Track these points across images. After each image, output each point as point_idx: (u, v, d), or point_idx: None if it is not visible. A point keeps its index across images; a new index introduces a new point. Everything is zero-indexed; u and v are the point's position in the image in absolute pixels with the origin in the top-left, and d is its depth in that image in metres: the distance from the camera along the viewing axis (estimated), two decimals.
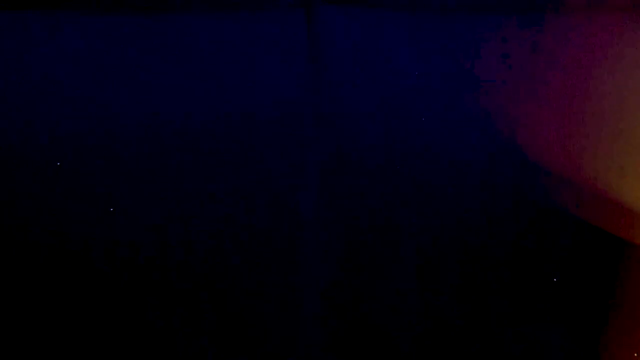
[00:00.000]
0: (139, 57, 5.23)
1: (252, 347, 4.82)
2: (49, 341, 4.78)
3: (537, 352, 4.80)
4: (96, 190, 5.22)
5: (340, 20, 5.17)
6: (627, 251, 4.68)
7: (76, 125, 5.20)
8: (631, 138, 4.68)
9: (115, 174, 5.23)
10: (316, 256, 4.97)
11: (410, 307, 4.89)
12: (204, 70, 5.22)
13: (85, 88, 5.24)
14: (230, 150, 5.23)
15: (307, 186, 5.13)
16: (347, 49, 5.15)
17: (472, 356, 4.81)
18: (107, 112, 5.23)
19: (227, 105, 5.23)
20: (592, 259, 4.78)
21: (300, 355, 4.78)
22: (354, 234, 5.06)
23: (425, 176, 5.04)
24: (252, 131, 4.99)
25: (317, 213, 5.08)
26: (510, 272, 4.86)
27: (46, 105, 5.19)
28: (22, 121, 5.17)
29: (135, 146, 5.26)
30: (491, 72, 4.89)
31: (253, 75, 5.17)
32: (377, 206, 5.08)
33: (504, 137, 4.88)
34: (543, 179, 4.83)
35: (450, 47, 4.96)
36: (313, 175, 5.15)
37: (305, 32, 5.18)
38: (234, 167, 5.22)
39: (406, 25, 5.06)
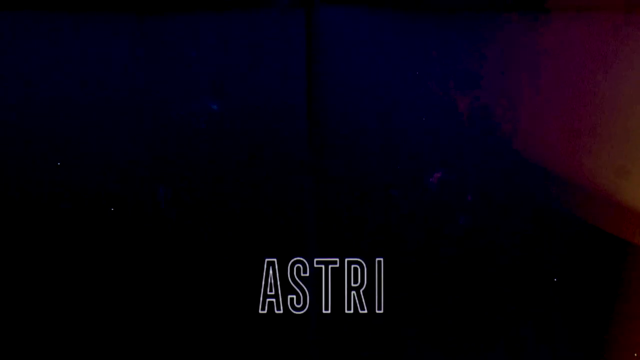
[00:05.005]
0: (138, 56, 5.24)
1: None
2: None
3: (537, 353, 4.80)
4: (94, 192, 5.22)
5: (339, 20, 5.18)
6: (627, 251, 4.68)
7: (75, 126, 5.20)
8: (631, 138, 4.69)
9: (111, 174, 5.24)
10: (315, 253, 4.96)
11: (408, 309, 4.89)
12: (202, 70, 5.23)
13: (84, 88, 5.25)
14: (228, 150, 5.23)
15: (304, 186, 5.13)
16: (346, 49, 5.16)
17: (472, 356, 4.81)
18: (106, 112, 5.23)
19: (224, 105, 5.24)
20: (592, 259, 4.78)
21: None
22: (352, 234, 5.06)
23: (425, 176, 5.04)
24: (250, 131, 5.00)
25: (314, 213, 5.08)
26: (510, 272, 4.85)
27: (46, 104, 5.20)
28: (21, 122, 5.18)
29: (134, 146, 5.26)
30: (491, 72, 4.89)
31: (251, 75, 5.17)
32: (374, 205, 5.08)
33: (503, 137, 4.88)
34: (543, 178, 4.84)
35: (451, 47, 4.97)
36: (310, 175, 5.15)
37: (304, 32, 5.19)
38: (232, 167, 5.22)
39: (407, 25, 5.07)
